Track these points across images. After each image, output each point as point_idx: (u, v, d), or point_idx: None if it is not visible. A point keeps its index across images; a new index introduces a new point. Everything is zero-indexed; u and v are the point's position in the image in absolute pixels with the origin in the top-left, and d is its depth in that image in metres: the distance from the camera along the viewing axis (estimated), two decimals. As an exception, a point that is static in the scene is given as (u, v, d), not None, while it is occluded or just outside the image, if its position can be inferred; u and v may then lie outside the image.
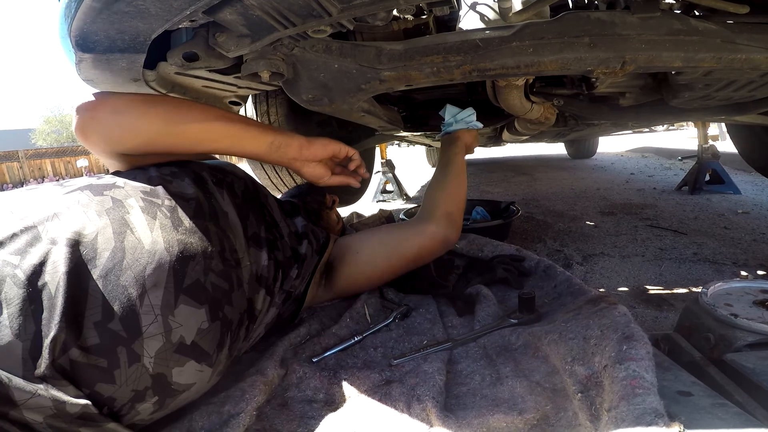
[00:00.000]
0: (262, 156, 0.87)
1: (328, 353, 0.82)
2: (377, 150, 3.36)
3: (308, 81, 0.87)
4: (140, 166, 0.78)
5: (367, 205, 2.99)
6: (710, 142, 2.76)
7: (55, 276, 0.51)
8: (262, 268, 0.81)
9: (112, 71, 0.83)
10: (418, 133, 1.89)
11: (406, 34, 0.93)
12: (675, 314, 1.04)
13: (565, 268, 1.36)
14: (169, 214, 0.66)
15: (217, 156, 1.04)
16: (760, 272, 1.32)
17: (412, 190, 3.70)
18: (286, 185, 2.10)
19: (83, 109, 0.77)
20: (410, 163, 6.63)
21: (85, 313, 0.52)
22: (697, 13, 0.81)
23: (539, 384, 0.65)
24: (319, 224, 1.20)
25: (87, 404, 0.49)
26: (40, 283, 0.50)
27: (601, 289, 1.26)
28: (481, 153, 6.99)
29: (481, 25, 0.90)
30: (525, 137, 2.03)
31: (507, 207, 1.87)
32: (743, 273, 1.32)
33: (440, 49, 0.80)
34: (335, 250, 1.07)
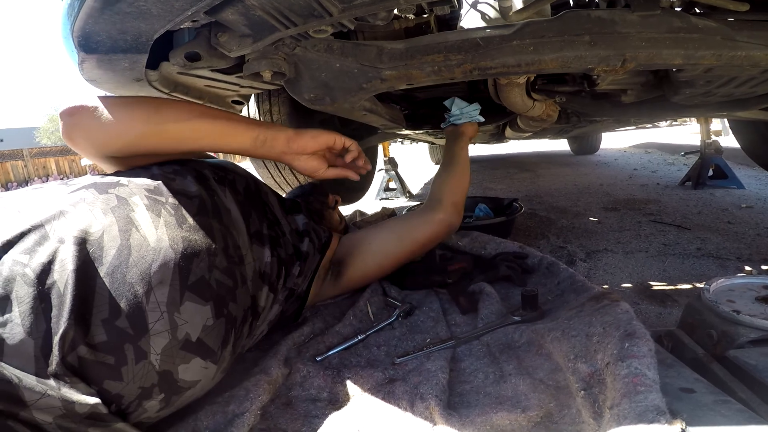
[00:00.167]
0: (249, 151, 0.86)
1: (332, 352, 0.82)
2: (380, 148, 3.35)
3: (310, 80, 0.87)
4: (143, 165, 0.78)
5: (370, 203, 2.99)
6: (713, 137, 2.76)
7: (64, 274, 0.52)
8: (265, 265, 0.82)
9: (114, 71, 0.84)
10: (421, 131, 1.88)
11: (407, 33, 0.93)
12: (679, 310, 1.04)
13: (568, 264, 1.36)
14: (173, 212, 0.67)
15: (220, 155, 1.04)
16: (764, 267, 1.31)
17: (415, 188, 3.70)
18: (289, 184, 2.10)
19: (66, 115, 0.77)
20: (413, 160, 6.62)
21: (92, 311, 0.53)
22: (697, 11, 0.81)
23: (542, 381, 0.66)
24: (322, 224, 1.20)
25: (95, 404, 0.50)
26: (49, 282, 0.51)
27: (605, 286, 1.26)
28: (484, 150, 6.99)
29: (483, 24, 0.90)
30: (528, 134, 2.03)
31: (510, 204, 1.87)
32: (747, 268, 1.32)
33: (441, 47, 0.80)
34: (344, 245, 1.08)
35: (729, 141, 3.31)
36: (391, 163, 3.33)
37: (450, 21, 1.01)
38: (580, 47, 0.75)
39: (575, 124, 1.72)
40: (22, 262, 0.51)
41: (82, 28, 0.69)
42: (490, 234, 1.34)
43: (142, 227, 0.61)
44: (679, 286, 1.22)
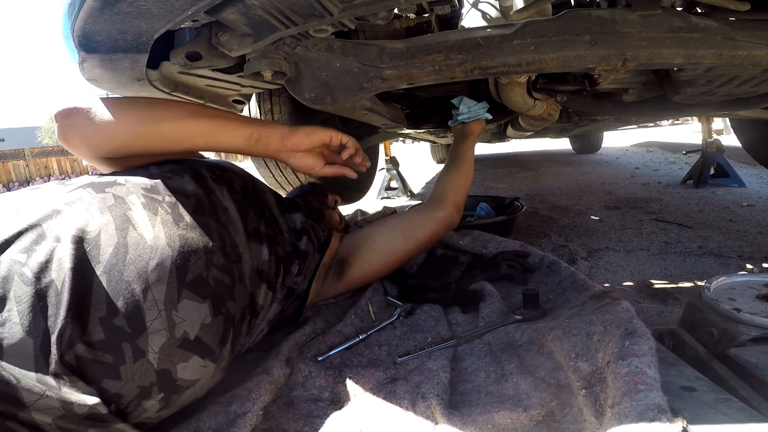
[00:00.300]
0: (243, 149, 0.86)
1: (333, 352, 0.82)
2: (381, 147, 3.35)
3: (311, 80, 0.87)
4: (140, 165, 0.78)
5: (371, 203, 2.99)
6: (714, 136, 2.75)
7: (61, 273, 0.52)
8: (263, 263, 0.82)
9: (115, 71, 0.84)
10: (422, 130, 1.88)
11: (408, 33, 0.93)
12: (680, 308, 1.04)
13: (569, 263, 1.36)
14: (170, 210, 0.67)
15: (223, 155, 1.04)
16: (765, 265, 1.31)
17: (416, 187, 3.70)
18: (290, 183, 2.10)
19: (60, 117, 0.77)
20: (415, 159, 6.62)
21: (90, 309, 0.53)
22: (698, 11, 0.81)
23: (544, 380, 0.66)
24: (322, 223, 1.20)
25: (95, 405, 0.50)
26: (46, 280, 0.51)
27: (606, 284, 1.26)
28: (486, 149, 6.98)
29: (484, 23, 0.90)
30: (529, 133, 2.03)
31: (512, 203, 1.86)
32: (749, 266, 1.32)
33: (442, 47, 0.80)
34: (347, 244, 1.08)
35: (730, 140, 3.31)
36: (393, 162, 3.33)
37: (451, 20, 1.01)
38: (581, 47, 0.75)
39: (576, 123, 1.72)
40: (20, 261, 0.51)
41: (82, 27, 0.69)
42: (491, 233, 1.34)
43: (139, 225, 0.62)
44: (680, 285, 1.22)
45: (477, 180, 3.72)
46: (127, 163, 0.80)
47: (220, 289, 0.67)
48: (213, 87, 1.08)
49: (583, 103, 1.31)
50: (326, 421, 0.64)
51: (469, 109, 1.36)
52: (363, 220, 1.84)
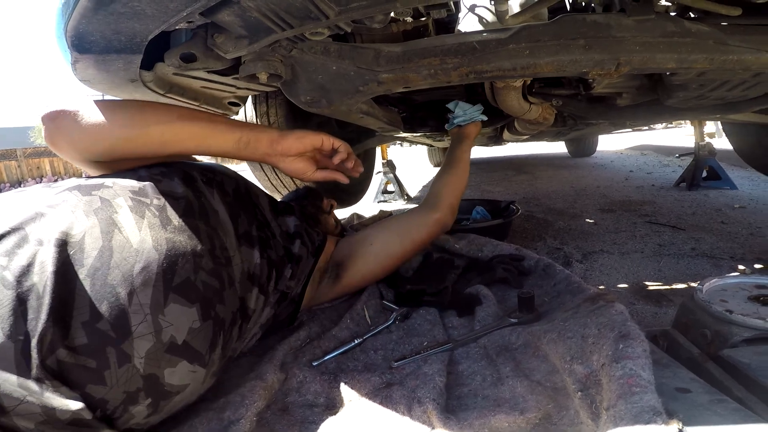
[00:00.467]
0: (232, 153, 0.84)
1: (329, 356, 0.81)
2: (378, 150, 3.35)
3: (306, 83, 0.87)
4: (129, 168, 0.77)
5: (368, 206, 2.99)
6: (707, 139, 2.79)
7: (43, 276, 0.51)
8: (255, 267, 0.81)
9: (108, 72, 0.83)
10: (419, 134, 1.89)
11: (405, 36, 0.93)
12: (674, 310, 1.04)
13: (564, 266, 1.36)
14: (157, 213, 0.66)
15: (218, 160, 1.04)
16: (757, 266, 1.33)
17: (413, 191, 3.70)
18: (286, 187, 2.09)
19: (48, 119, 0.76)
20: (412, 163, 6.62)
21: (72, 313, 0.52)
22: (692, 15, 0.81)
23: (540, 383, 0.66)
24: (317, 227, 1.20)
25: (78, 410, 0.49)
26: (28, 284, 0.50)
27: (601, 287, 1.26)
28: (482, 152, 7.00)
29: (480, 27, 0.90)
30: (525, 137, 2.04)
31: (507, 206, 1.87)
32: (741, 267, 1.33)
33: (438, 51, 0.80)
34: (343, 247, 1.08)
35: (722, 143, 3.34)
36: (389, 165, 3.32)
37: (448, 24, 1.01)
38: (575, 51, 0.76)
39: (572, 127, 1.73)
40: (2, 265, 0.50)
41: (75, 27, 0.68)
42: (487, 236, 1.34)
43: (125, 229, 0.61)
44: (674, 286, 1.23)
45: (473, 183, 3.73)
46: (115, 167, 0.79)
47: (209, 293, 0.66)
48: (208, 89, 1.07)
49: (578, 107, 1.31)
50: (321, 427, 0.63)
51: (464, 112, 1.38)
52: (359, 224, 1.84)
